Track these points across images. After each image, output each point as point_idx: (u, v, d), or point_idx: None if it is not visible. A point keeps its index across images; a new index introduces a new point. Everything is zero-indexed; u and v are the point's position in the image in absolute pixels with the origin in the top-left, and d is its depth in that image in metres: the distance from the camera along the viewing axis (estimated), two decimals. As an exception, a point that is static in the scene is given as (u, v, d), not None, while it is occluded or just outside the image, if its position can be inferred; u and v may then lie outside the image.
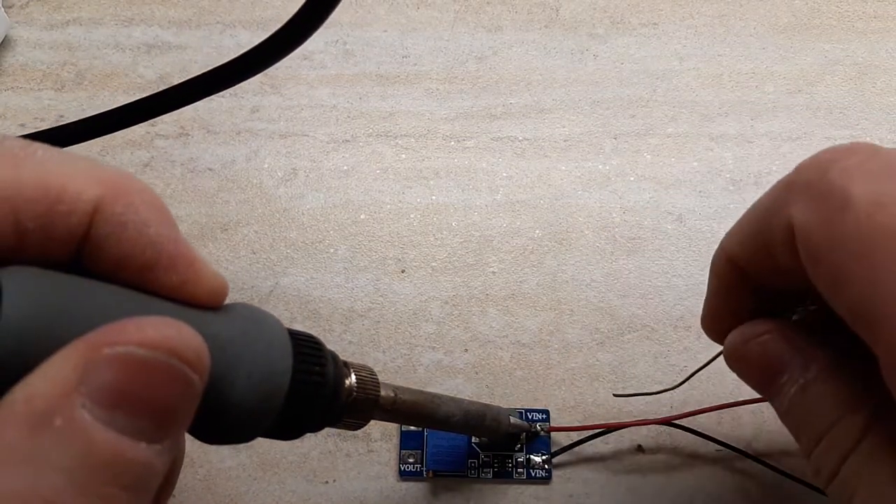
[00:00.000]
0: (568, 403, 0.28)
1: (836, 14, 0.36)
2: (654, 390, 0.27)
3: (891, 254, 0.15)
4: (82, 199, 0.14)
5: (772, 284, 0.20)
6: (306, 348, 0.17)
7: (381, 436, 0.28)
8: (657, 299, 0.30)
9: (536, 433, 0.27)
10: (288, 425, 0.17)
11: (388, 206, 0.32)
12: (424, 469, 0.27)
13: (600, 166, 0.33)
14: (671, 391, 0.26)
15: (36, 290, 0.13)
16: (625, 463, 0.28)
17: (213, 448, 0.28)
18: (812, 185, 0.17)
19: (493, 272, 0.31)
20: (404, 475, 0.27)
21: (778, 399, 0.20)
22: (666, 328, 0.30)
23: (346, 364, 0.19)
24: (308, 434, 0.18)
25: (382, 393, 0.20)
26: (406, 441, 0.28)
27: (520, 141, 0.33)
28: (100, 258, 0.15)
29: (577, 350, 0.29)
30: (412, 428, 0.28)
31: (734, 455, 0.27)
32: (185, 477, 0.27)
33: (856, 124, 0.33)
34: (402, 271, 0.31)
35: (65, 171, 0.14)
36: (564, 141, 0.33)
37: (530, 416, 0.28)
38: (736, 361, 0.21)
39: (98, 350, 0.12)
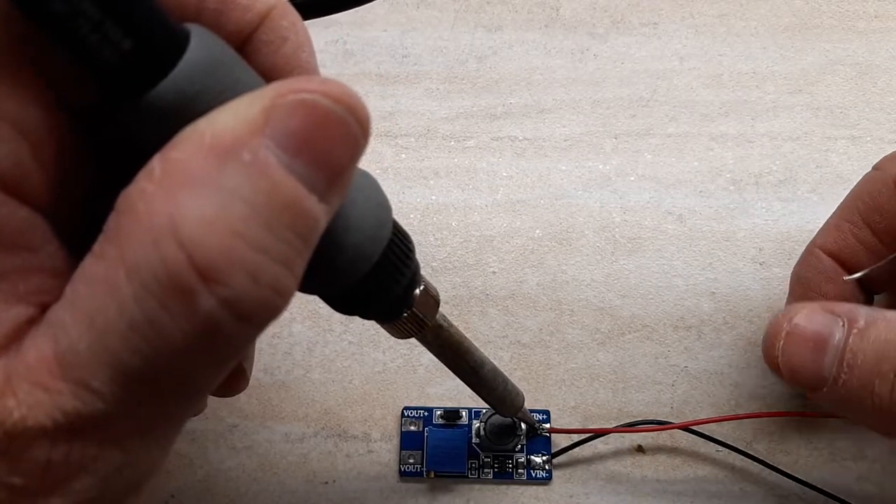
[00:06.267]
0: (568, 404, 0.28)
1: (836, 14, 0.36)
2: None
3: None
4: (260, 1, 0.16)
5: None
6: (400, 233, 0.18)
7: (381, 436, 0.28)
8: (657, 299, 0.30)
9: (538, 431, 0.27)
10: (364, 291, 0.18)
11: (388, 206, 0.32)
12: (425, 469, 0.27)
13: (601, 166, 0.33)
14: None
15: (216, 44, 0.14)
16: (625, 463, 0.28)
17: (213, 449, 0.28)
18: None
19: (493, 272, 0.31)
20: (404, 475, 0.27)
21: (828, 363, 0.21)
22: (666, 328, 0.30)
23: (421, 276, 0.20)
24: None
25: (438, 315, 0.21)
26: (406, 441, 0.28)
27: (520, 141, 0.33)
28: (252, 63, 0.15)
29: (578, 350, 0.29)
30: (413, 428, 0.28)
31: (734, 455, 0.27)
32: (184, 477, 0.27)
33: (856, 124, 0.33)
34: (402, 271, 0.31)
35: None
36: (565, 141, 0.33)
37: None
38: (788, 345, 0.22)
39: (285, 96, 0.13)
